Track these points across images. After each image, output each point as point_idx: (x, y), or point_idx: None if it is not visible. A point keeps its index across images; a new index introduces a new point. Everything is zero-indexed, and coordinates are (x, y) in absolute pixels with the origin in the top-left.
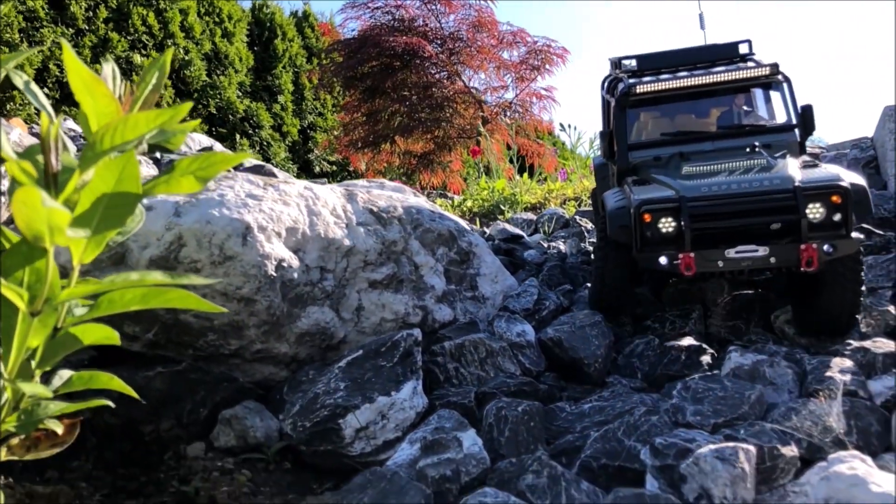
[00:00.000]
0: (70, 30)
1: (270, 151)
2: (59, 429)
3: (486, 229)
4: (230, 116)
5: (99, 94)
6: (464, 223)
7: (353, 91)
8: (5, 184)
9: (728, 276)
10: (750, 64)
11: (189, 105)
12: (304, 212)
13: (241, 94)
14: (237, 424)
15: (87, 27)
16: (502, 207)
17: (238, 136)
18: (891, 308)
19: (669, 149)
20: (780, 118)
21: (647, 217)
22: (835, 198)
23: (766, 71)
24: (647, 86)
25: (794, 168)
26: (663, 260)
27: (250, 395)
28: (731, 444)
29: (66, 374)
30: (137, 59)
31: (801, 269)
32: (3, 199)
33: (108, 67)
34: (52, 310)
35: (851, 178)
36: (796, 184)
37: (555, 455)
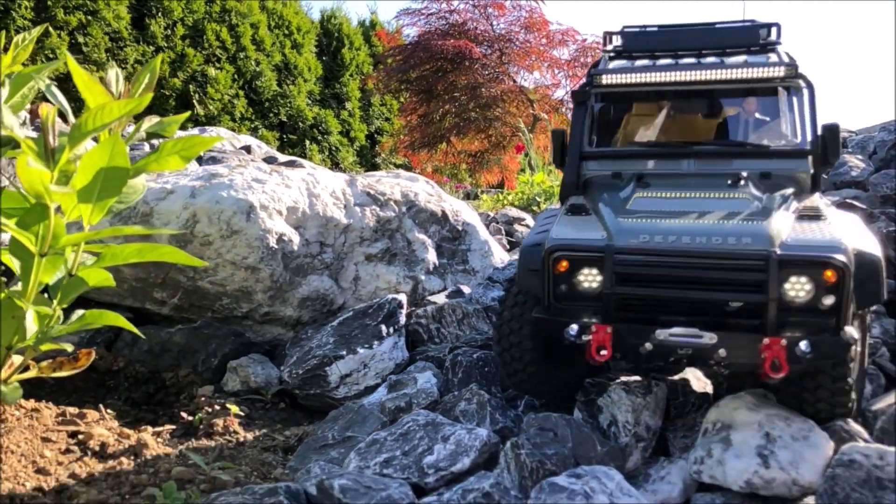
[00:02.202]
0: (150, 47)
1: (339, 156)
2: (69, 348)
3: (492, 213)
4: (300, 123)
5: (97, 92)
6: (468, 207)
7: (410, 94)
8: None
9: (657, 365)
10: (768, 59)
11: (185, 115)
12: (304, 193)
13: (310, 101)
14: (242, 372)
15: (165, 44)
16: (538, 199)
17: (307, 143)
18: None
19: (636, 164)
20: (791, 139)
21: (563, 265)
22: (828, 274)
23: (779, 72)
24: (614, 76)
25: (782, 220)
26: (573, 329)
27: (258, 350)
28: (643, 379)
29: (80, 312)
30: (212, 72)
31: (764, 375)
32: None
33: (112, 72)
34: (56, 253)
35: (862, 243)
36: (774, 247)
37: (509, 399)
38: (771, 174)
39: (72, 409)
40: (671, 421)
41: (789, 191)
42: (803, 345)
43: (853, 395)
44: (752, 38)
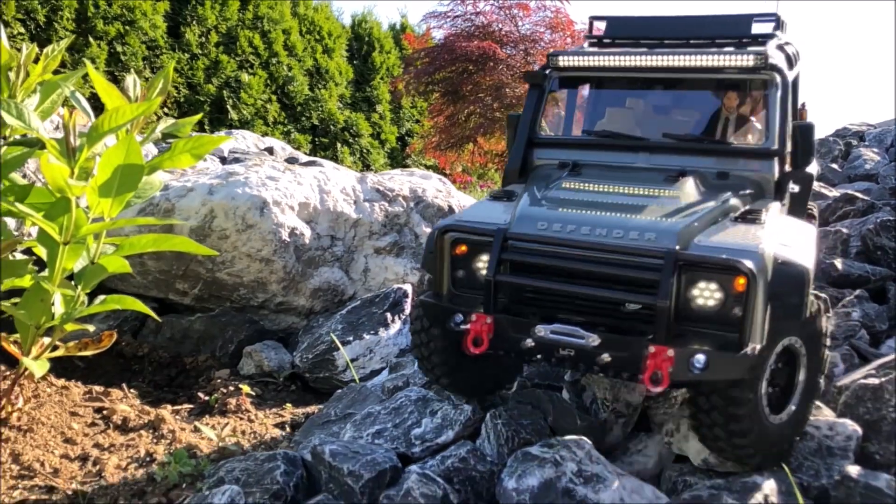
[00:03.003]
0: (185, 55)
1: (370, 158)
2: (90, 328)
3: None
4: (331, 127)
5: (114, 96)
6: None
7: (436, 96)
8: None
9: (552, 361)
10: (742, 49)
11: (198, 117)
12: (316, 190)
13: (341, 105)
14: (256, 356)
15: (200, 51)
16: None
17: (339, 145)
18: None
19: (587, 154)
20: (755, 137)
21: (461, 249)
22: (740, 282)
23: (746, 61)
24: (571, 58)
25: (706, 220)
26: (458, 318)
27: (272, 337)
28: None
29: (102, 297)
30: (245, 77)
31: (646, 386)
32: None
33: (130, 79)
34: (78, 242)
35: (792, 253)
36: (677, 246)
37: None
38: (728, 174)
39: (98, 388)
40: (654, 398)
41: (740, 192)
42: (698, 359)
43: (758, 428)
44: (742, 30)
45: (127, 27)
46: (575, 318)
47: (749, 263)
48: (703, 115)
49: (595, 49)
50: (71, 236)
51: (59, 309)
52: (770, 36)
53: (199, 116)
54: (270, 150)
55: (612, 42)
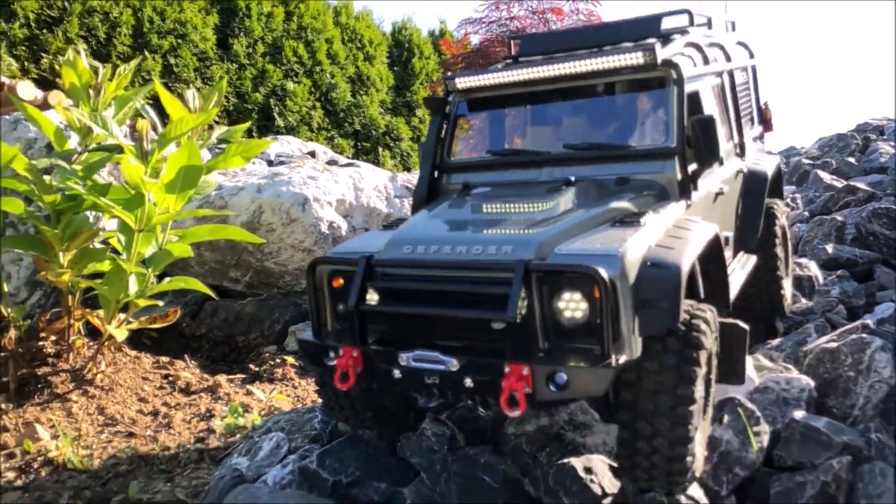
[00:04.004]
0: (234, 65)
1: (410, 161)
2: (160, 303)
3: None
4: (373, 132)
5: (177, 107)
6: None
7: None
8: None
9: (421, 391)
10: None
11: (247, 125)
12: (351, 188)
13: (382, 110)
14: (300, 334)
15: (247, 62)
16: None
17: (380, 149)
18: None
19: (495, 175)
20: (655, 138)
21: (338, 282)
22: (596, 290)
23: (636, 59)
24: (467, 79)
25: (575, 227)
26: (331, 355)
27: None
28: None
29: (169, 278)
30: (290, 86)
31: (503, 410)
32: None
33: (190, 92)
34: (150, 230)
35: (665, 256)
36: (532, 256)
37: None
38: (629, 179)
39: (164, 359)
40: None
41: (638, 196)
42: (559, 377)
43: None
44: (651, 30)
45: (179, 40)
46: (450, 343)
47: (602, 268)
48: (611, 121)
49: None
50: (144, 225)
51: (133, 287)
52: (680, 32)
53: (248, 124)
54: (313, 154)
55: (526, 60)
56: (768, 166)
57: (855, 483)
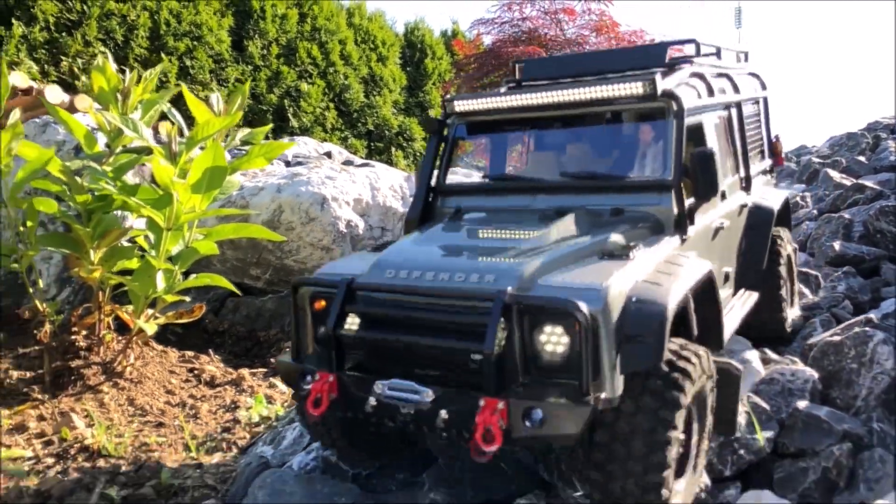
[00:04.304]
0: (249, 66)
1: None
2: (187, 298)
3: None
4: (386, 132)
5: (202, 111)
6: None
7: None
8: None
9: (397, 421)
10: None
11: (268, 127)
12: (368, 187)
13: (395, 110)
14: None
15: (262, 63)
16: None
17: (393, 149)
18: None
19: (490, 200)
20: (652, 170)
21: (320, 304)
22: (577, 325)
23: (636, 89)
24: (467, 102)
25: (565, 258)
26: (307, 379)
27: None
28: None
29: (194, 275)
30: (304, 86)
31: (475, 448)
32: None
33: (214, 96)
34: (177, 229)
35: (651, 292)
36: (513, 287)
37: None
38: (623, 210)
39: (189, 353)
40: None
41: (631, 229)
42: (535, 414)
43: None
44: (657, 59)
45: (195, 42)
46: (428, 373)
47: (584, 303)
48: (609, 150)
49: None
50: (173, 224)
51: (161, 284)
52: (686, 62)
53: (269, 126)
54: (329, 154)
55: (529, 84)
56: (775, 201)
57: (855, 469)
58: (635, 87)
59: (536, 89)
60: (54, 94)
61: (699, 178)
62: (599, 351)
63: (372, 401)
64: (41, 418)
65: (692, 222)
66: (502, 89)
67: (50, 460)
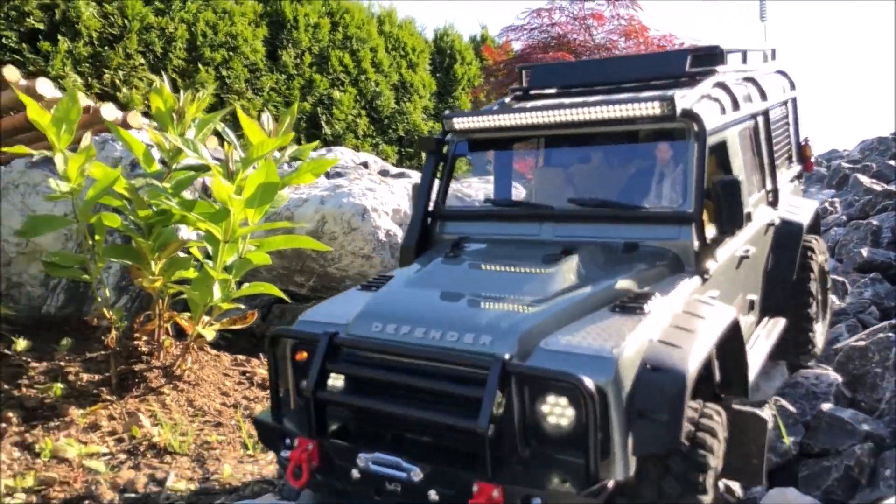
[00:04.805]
0: (283, 76)
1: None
2: (242, 306)
3: None
4: (416, 138)
5: (255, 130)
6: None
7: None
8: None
9: (382, 497)
10: (662, 94)
11: (315, 144)
12: (405, 198)
13: (425, 116)
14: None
15: (295, 72)
16: None
17: (423, 155)
18: None
19: (492, 227)
20: (670, 199)
21: (302, 355)
22: (583, 399)
23: (652, 109)
24: (467, 119)
25: (572, 311)
26: (287, 442)
27: None
28: None
29: (248, 283)
30: (336, 94)
31: None
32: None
33: (265, 116)
34: (233, 241)
35: (667, 354)
36: (512, 352)
37: None
38: (638, 245)
39: (241, 357)
40: None
41: (648, 268)
42: (535, 502)
43: None
44: (677, 68)
45: (231, 53)
46: (419, 442)
47: (590, 375)
48: (622, 175)
49: (497, 107)
50: (229, 237)
51: (217, 293)
52: (707, 72)
53: (315, 143)
54: (365, 164)
55: (537, 94)
56: (804, 214)
57: (877, 468)
58: (651, 107)
59: (542, 105)
60: (109, 111)
61: (724, 209)
62: (609, 427)
63: (355, 472)
64: (111, 418)
65: (714, 258)
66: (507, 99)
67: (122, 456)
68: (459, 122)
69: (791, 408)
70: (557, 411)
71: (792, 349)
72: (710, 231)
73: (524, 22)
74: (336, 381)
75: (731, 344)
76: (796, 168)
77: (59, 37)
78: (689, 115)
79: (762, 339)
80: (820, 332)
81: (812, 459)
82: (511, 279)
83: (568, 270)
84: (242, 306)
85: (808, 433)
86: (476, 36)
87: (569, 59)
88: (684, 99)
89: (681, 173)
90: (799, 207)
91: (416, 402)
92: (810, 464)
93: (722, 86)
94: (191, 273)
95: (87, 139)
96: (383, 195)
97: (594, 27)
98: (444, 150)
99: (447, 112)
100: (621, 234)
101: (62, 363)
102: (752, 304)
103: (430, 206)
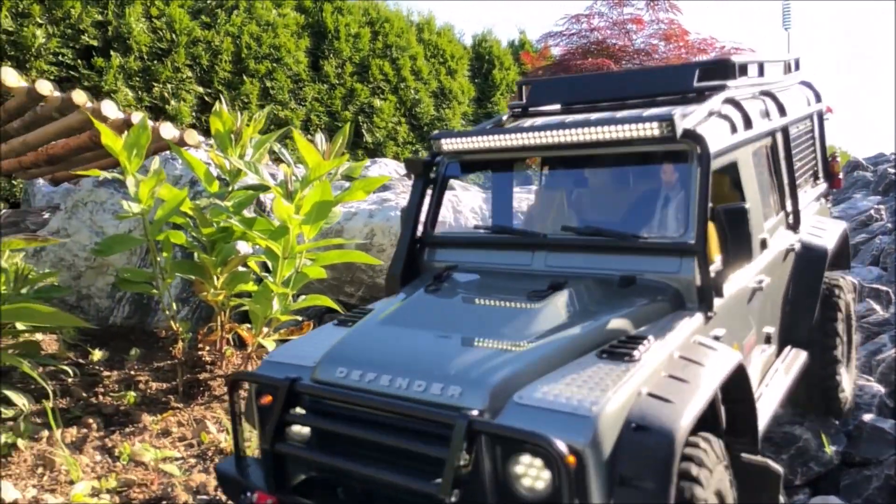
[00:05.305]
0: (325, 85)
1: None
2: (300, 318)
3: None
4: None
5: (311, 151)
6: None
7: None
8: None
9: None
10: (668, 113)
11: (364, 162)
12: (450, 210)
13: (464, 122)
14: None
15: (337, 82)
16: None
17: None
18: None
19: (483, 256)
20: (671, 228)
21: (267, 399)
22: (570, 460)
23: (650, 130)
24: (455, 141)
25: (554, 357)
26: (248, 496)
27: None
28: None
29: (303, 296)
30: (377, 103)
31: None
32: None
33: (319, 137)
34: (292, 257)
35: (655, 410)
36: (480, 406)
37: None
38: (635, 279)
39: None
40: None
41: (644, 305)
42: None
43: None
44: (683, 82)
45: (274, 64)
46: (391, 495)
47: (566, 437)
48: (620, 201)
49: (491, 125)
50: (288, 253)
51: (276, 305)
52: (717, 87)
53: (365, 161)
54: (409, 176)
55: (536, 111)
56: (829, 237)
57: None
58: (649, 128)
59: (536, 124)
60: (167, 130)
61: (729, 240)
62: (587, 494)
63: None
64: (180, 424)
65: (719, 294)
66: (505, 116)
67: (192, 460)
68: (448, 144)
69: (834, 419)
70: (532, 473)
71: (818, 399)
72: (718, 261)
73: (563, 28)
74: (296, 435)
75: (738, 391)
76: (823, 185)
77: (112, 52)
78: (692, 137)
79: (781, 373)
80: (847, 380)
81: (854, 469)
82: (491, 318)
83: (553, 309)
84: (299, 317)
85: (850, 443)
86: (514, 41)
87: (609, 65)
88: (687, 118)
89: (683, 200)
90: (824, 229)
91: (381, 459)
92: (852, 473)
93: (732, 102)
94: (250, 286)
95: (156, 163)
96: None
97: (634, 31)
98: (433, 172)
99: (435, 133)
100: (618, 265)
101: (132, 372)
102: (768, 337)
103: (419, 232)
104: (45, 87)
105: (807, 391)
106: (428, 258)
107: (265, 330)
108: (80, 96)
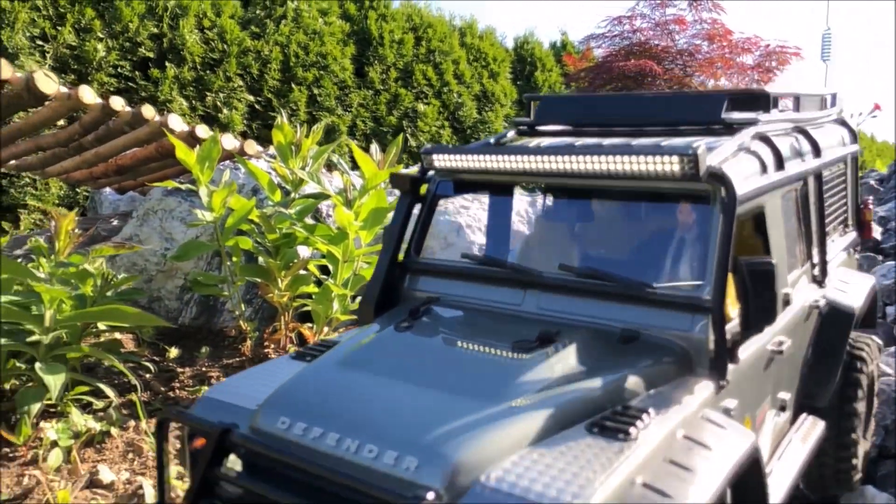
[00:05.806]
0: (370, 91)
1: None
2: (355, 316)
3: None
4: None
5: (367, 161)
6: None
7: None
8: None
9: None
10: (687, 147)
11: (415, 169)
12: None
13: (507, 125)
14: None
15: (382, 87)
16: None
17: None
18: None
19: (470, 289)
20: (685, 278)
21: (200, 442)
22: None
23: (671, 166)
24: (446, 157)
25: (535, 428)
26: None
27: None
28: None
29: (359, 297)
30: (420, 107)
31: None
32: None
33: (373, 147)
34: (351, 261)
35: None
36: (437, 485)
37: None
38: (639, 335)
39: None
40: None
41: (647, 368)
42: None
43: None
44: (710, 113)
45: (321, 72)
46: None
47: None
48: (628, 242)
49: (493, 142)
50: (348, 257)
51: (336, 306)
52: (748, 122)
53: (416, 169)
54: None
55: (542, 130)
56: (856, 296)
57: None
58: (669, 163)
59: (543, 146)
60: (229, 141)
61: (751, 301)
62: None
63: None
64: None
65: (734, 360)
66: (510, 133)
67: None
68: (441, 161)
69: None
70: None
71: (830, 478)
72: (734, 315)
73: (605, 30)
74: (223, 491)
75: (750, 478)
76: (852, 235)
77: (167, 63)
78: (717, 177)
79: (796, 443)
80: (862, 454)
81: (890, 460)
82: (466, 370)
83: (540, 365)
84: (356, 316)
85: (887, 436)
86: (556, 42)
87: (652, 66)
88: (712, 155)
89: (701, 248)
90: (850, 284)
91: None
92: (888, 464)
93: (764, 139)
94: (311, 288)
95: (227, 175)
96: (477, 212)
97: (676, 32)
98: (422, 190)
99: (426, 147)
100: (620, 315)
101: (203, 368)
102: (783, 405)
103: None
104: (117, 103)
105: (818, 469)
106: (409, 286)
107: (326, 329)
108: (149, 111)
